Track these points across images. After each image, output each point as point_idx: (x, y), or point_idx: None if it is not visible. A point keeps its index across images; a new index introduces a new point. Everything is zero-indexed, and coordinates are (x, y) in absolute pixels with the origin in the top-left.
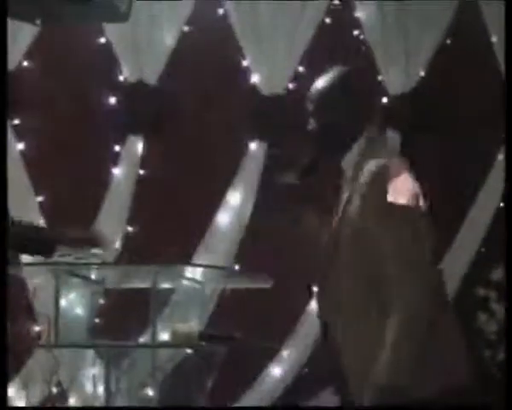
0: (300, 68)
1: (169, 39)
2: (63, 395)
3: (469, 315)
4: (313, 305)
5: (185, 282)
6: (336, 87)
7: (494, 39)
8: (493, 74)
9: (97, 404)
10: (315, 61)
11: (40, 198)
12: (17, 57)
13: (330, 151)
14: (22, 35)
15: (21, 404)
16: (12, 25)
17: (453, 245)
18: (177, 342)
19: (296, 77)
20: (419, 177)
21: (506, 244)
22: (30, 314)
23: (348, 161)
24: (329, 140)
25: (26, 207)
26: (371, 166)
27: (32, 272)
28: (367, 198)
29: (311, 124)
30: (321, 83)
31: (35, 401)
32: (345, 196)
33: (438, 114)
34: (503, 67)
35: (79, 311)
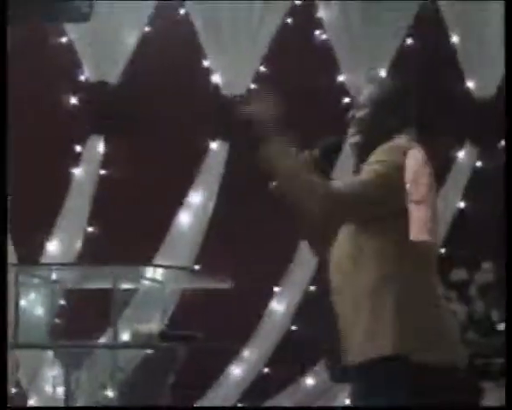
0: (262, 68)
1: (130, 39)
2: (22, 395)
3: None
4: (274, 305)
5: (146, 282)
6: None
7: (455, 39)
8: (454, 75)
9: (57, 405)
10: (276, 61)
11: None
12: None
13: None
14: None
15: None
16: None
17: None
18: (138, 342)
19: (258, 77)
20: None
21: (506, 244)
22: None
23: None
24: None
25: None
26: None
27: None
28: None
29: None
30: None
31: None
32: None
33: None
34: (463, 66)
35: (39, 311)
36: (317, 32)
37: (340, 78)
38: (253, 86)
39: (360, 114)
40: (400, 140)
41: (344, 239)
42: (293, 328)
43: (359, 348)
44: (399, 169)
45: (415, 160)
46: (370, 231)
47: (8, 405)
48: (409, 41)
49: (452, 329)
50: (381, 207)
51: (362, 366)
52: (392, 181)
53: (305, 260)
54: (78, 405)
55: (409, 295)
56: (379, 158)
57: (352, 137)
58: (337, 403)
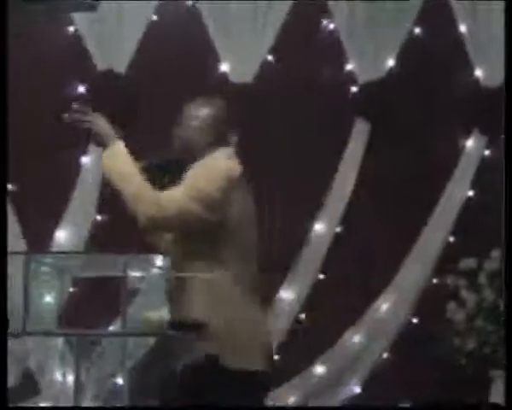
0: (269, 57)
1: (138, 28)
2: (32, 383)
3: (439, 304)
4: (282, 293)
5: (155, 270)
6: None
7: (463, 29)
8: (462, 64)
9: (67, 392)
10: (284, 49)
11: (11, 187)
12: None
13: None
14: None
15: None
16: None
17: (423, 235)
18: (147, 330)
19: (265, 66)
20: (388, 165)
21: (506, 244)
22: None
23: None
24: None
25: None
26: None
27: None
28: None
29: None
30: None
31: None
32: None
33: (407, 102)
34: (472, 56)
35: (49, 299)
36: (325, 21)
37: (348, 67)
38: (259, 75)
39: (181, 131)
40: (218, 155)
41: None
42: (302, 316)
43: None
44: (215, 182)
45: (230, 176)
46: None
47: (10, 405)
48: (417, 30)
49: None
50: (197, 217)
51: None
52: (208, 193)
53: (314, 248)
54: (87, 393)
55: (217, 300)
56: (196, 173)
57: (176, 153)
58: (347, 392)
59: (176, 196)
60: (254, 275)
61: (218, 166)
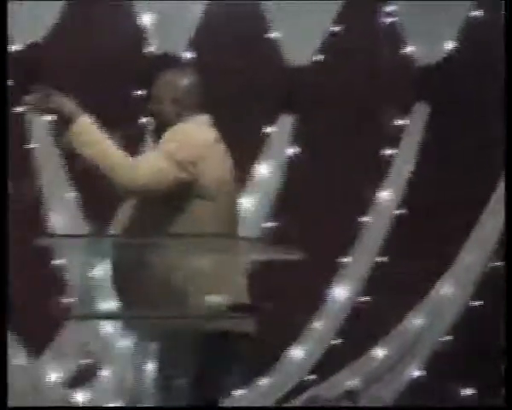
0: (327, 41)
1: (196, 11)
2: (95, 366)
3: (500, 287)
4: (340, 279)
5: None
6: None
7: None
8: None
9: (128, 375)
10: (341, 32)
11: None
12: (43, 31)
13: None
14: (49, 9)
15: (54, 376)
16: None
17: (483, 217)
18: (208, 313)
19: (323, 49)
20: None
21: (506, 244)
22: (60, 286)
23: None
24: None
25: None
26: None
27: (63, 244)
28: None
29: None
30: None
31: (67, 373)
32: None
33: (466, 87)
34: None
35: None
36: (384, 4)
37: (407, 49)
38: (317, 58)
39: (153, 104)
40: (190, 123)
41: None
42: (363, 299)
43: None
44: (185, 142)
45: (202, 139)
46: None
47: (10, 405)
48: (475, 12)
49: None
50: (170, 175)
51: None
52: (178, 157)
53: (373, 232)
54: (148, 377)
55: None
56: (167, 137)
57: (149, 125)
58: (407, 375)
59: (149, 159)
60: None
61: (187, 129)
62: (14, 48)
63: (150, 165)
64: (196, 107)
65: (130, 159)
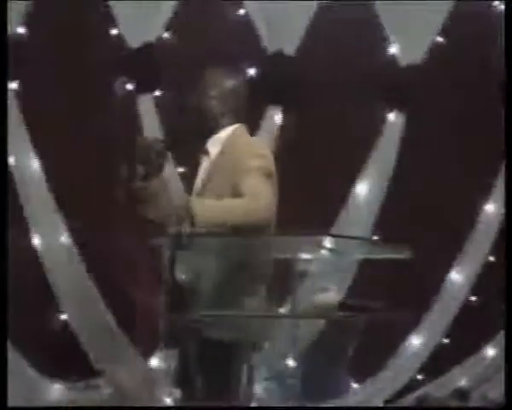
0: (439, 39)
1: (307, 10)
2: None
3: None
4: (453, 275)
5: (324, 252)
6: None
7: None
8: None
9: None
10: (453, 31)
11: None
12: (158, 28)
13: None
14: (164, 6)
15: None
16: None
17: None
18: (318, 312)
19: (434, 47)
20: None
21: (506, 245)
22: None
23: None
24: None
25: None
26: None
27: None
28: None
29: None
30: None
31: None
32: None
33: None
34: None
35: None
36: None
37: None
38: (428, 57)
39: (199, 99)
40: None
41: None
42: (473, 298)
43: None
44: (270, 158)
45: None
46: None
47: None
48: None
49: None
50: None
51: None
52: (270, 169)
53: (484, 230)
54: (259, 374)
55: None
56: (247, 154)
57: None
58: None
59: (252, 185)
60: None
61: (260, 142)
62: (128, 47)
63: (258, 190)
64: (240, 109)
65: (241, 199)
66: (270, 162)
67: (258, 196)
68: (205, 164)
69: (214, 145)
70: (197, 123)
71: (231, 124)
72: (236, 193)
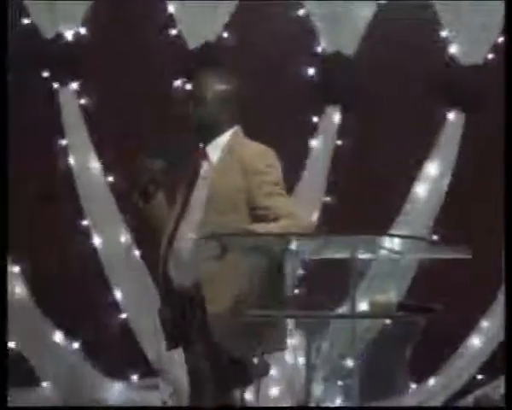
0: (500, 39)
1: (366, 11)
2: (265, 365)
3: None
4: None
5: (383, 252)
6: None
7: None
8: None
9: (297, 375)
10: None
11: None
12: (217, 29)
13: None
14: (223, 7)
15: None
16: None
17: None
18: (376, 312)
19: (495, 48)
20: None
21: (506, 243)
22: None
23: None
24: None
25: None
26: None
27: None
28: None
29: None
30: None
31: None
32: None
33: None
34: None
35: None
36: None
37: None
38: (490, 57)
39: (197, 104)
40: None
41: None
42: None
43: None
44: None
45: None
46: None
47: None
48: None
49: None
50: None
51: None
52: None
53: None
54: (318, 374)
55: None
56: (262, 165)
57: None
58: None
59: (281, 201)
60: None
61: (269, 151)
62: (189, 46)
63: (288, 203)
64: (236, 111)
65: (275, 224)
66: (279, 169)
67: (295, 215)
68: (205, 168)
69: (214, 150)
70: (196, 128)
71: (228, 127)
72: (251, 201)
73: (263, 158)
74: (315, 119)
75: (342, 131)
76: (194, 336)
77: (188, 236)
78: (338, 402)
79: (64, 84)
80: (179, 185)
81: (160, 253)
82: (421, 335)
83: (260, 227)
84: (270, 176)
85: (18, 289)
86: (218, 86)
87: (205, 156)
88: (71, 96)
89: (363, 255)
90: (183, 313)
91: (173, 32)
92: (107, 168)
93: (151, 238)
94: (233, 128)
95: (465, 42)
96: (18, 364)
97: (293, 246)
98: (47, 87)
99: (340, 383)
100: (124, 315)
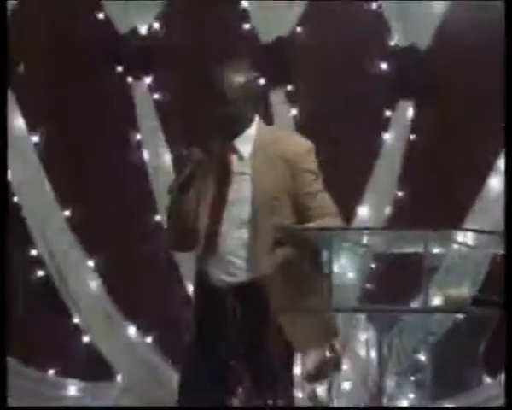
0: None
1: (440, 5)
2: (337, 360)
3: None
4: None
5: (456, 247)
6: None
7: None
8: None
9: (371, 369)
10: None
11: None
12: (291, 23)
13: None
14: (296, 2)
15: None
16: None
17: None
18: (449, 306)
19: None
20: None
21: (506, 244)
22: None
23: None
24: None
25: None
26: None
27: None
28: None
29: None
30: None
31: (310, 366)
32: None
33: None
34: None
35: (351, 276)
36: None
37: None
38: None
39: (226, 106)
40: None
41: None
42: None
43: None
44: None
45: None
46: None
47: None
48: None
49: None
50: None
51: None
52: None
53: None
54: (390, 368)
55: None
56: (302, 157)
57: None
58: None
59: (324, 199)
60: None
61: (304, 139)
62: (262, 42)
63: (331, 200)
64: (257, 103)
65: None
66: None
67: (338, 213)
68: (235, 163)
69: (244, 144)
70: (221, 123)
71: (251, 119)
72: (299, 200)
73: (310, 155)
74: (388, 113)
75: (415, 125)
76: (259, 335)
77: (235, 234)
78: (410, 397)
79: (138, 78)
80: (204, 181)
81: (197, 252)
82: (496, 329)
83: (338, 222)
84: (317, 174)
85: (92, 283)
86: (240, 79)
87: (234, 151)
88: (145, 90)
89: (435, 249)
90: (223, 311)
91: (246, 26)
92: None
93: (179, 233)
94: (255, 119)
95: None
96: (93, 358)
97: (365, 240)
98: (121, 82)
99: (412, 377)
100: None
